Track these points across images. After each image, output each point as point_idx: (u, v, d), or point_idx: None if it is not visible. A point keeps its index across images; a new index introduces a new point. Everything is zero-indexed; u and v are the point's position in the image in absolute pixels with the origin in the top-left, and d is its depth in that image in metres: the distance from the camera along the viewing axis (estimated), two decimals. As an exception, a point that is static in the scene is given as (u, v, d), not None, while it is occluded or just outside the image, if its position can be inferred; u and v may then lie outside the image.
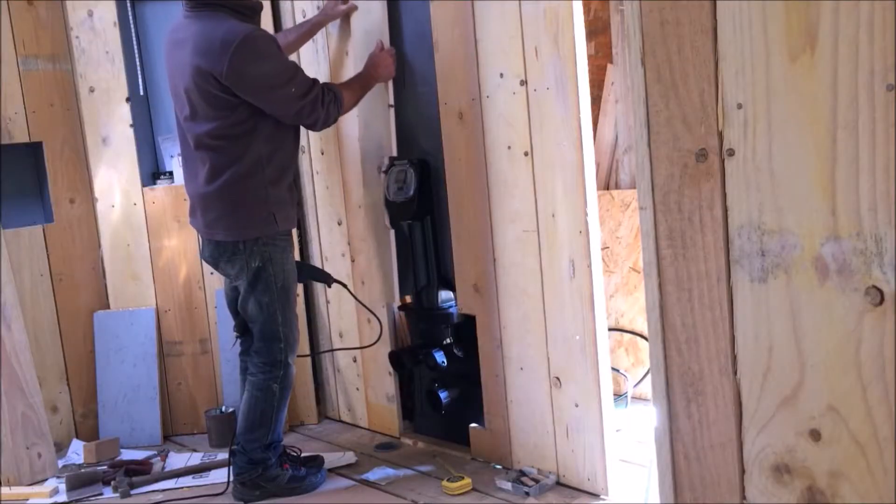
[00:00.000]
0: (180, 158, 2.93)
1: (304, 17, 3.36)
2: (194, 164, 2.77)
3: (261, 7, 2.80)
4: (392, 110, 3.07)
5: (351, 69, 3.18)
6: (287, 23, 3.38)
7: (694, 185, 1.57)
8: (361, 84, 2.92)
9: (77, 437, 3.58)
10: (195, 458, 3.31)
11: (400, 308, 3.29)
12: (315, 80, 2.73)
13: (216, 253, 2.79)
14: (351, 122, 3.20)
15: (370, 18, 3.06)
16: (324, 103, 2.71)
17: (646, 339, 3.17)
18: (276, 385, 2.82)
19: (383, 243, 3.21)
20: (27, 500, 3.04)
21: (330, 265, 3.49)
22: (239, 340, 2.98)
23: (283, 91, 2.64)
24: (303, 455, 3.04)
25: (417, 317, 3.16)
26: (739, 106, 1.48)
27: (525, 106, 2.58)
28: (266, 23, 3.18)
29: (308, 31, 3.18)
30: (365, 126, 3.18)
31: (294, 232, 3.50)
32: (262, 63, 2.60)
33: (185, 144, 2.80)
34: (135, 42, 3.58)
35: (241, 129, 2.66)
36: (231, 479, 2.88)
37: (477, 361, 2.93)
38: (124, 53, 3.54)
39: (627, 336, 3.48)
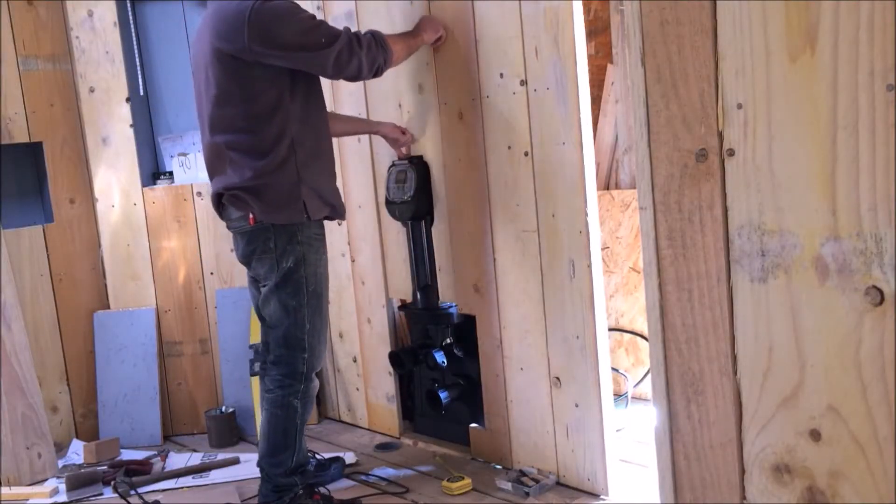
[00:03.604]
0: (202, 155, 2.72)
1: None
2: (222, 157, 2.57)
3: None
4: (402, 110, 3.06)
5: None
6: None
7: (694, 185, 1.57)
8: (406, 39, 2.69)
9: (77, 437, 3.59)
10: (195, 458, 3.31)
11: (400, 308, 3.29)
12: (344, 28, 2.52)
13: (248, 249, 2.58)
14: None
15: (379, 19, 3.06)
16: (361, 45, 2.50)
17: (646, 339, 3.17)
18: (296, 401, 2.58)
19: (386, 242, 3.22)
20: (27, 500, 3.04)
21: (330, 265, 3.49)
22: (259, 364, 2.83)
23: (313, 43, 2.44)
24: (326, 457, 3.01)
25: (417, 317, 3.16)
26: (739, 106, 1.48)
27: (525, 106, 2.58)
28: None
29: (355, 125, 3.08)
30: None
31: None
32: (282, 22, 2.42)
33: (211, 134, 2.58)
34: (135, 42, 3.58)
35: (269, 108, 2.49)
36: None
37: (477, 361, 2.93)
38: (124, 53, 3.54)
39: (627, 336, 3.48)
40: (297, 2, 2.55)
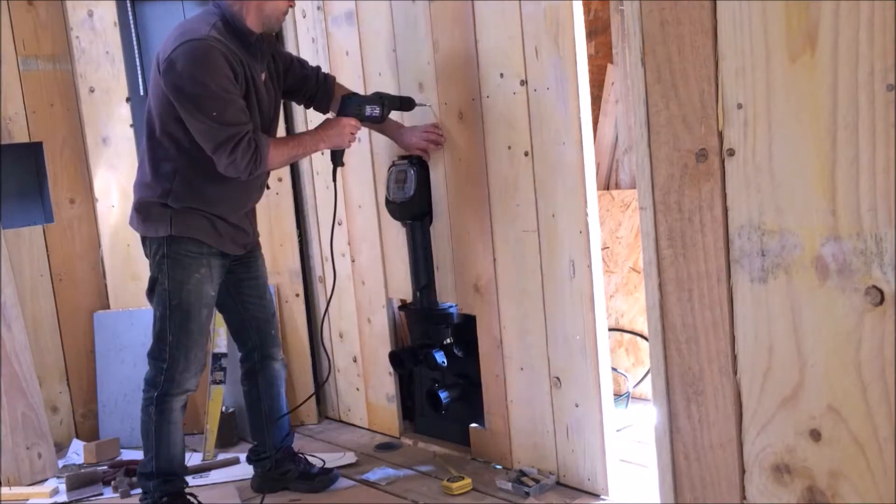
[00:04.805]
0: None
1: (303, 17, 3.36)
2: (140, 156, 2.67)
3: (252, 35, 2.49)
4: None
5: (349, 68, 3.18)
6: (288, 24, 3.37)
7: (694, 185, 1.57)
8: (302, 141, 2.63)
9: (77, 437, 3.58)
10: (195, 458, 3.30)
11: (400, 308, 3.29)
12: (246, 123, 2.42)
13: (145, 254, 2.67)
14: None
15: (379, 19, 3.04)
16: (236, 149, 2.39)
17: (646, 339, 3.17)
18: (151, 408, 2.59)
19: (386, 242, 3.22)
20: (27, 500, 3.04)
21: (330, 265, 3.49)
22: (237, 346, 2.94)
23: (202, 114, 2.38)
24: (318, 467, 2.96)
25: (417, 317, 3.15)
26: (739, 106, 1.48)
27: (525, 106, 2.58)
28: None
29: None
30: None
31: (294, 233, 3.53)
32: (192, 75, 2.36)
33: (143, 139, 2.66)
34: (135, 42, 3.58)
35: (169, 139, 2.51)
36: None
37: (477, 361, 2.93)
38: (124, 53, 3.54)
39: (627, 336, 3.48)
40: None
